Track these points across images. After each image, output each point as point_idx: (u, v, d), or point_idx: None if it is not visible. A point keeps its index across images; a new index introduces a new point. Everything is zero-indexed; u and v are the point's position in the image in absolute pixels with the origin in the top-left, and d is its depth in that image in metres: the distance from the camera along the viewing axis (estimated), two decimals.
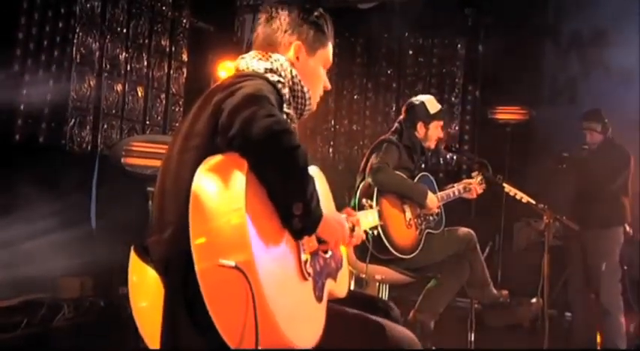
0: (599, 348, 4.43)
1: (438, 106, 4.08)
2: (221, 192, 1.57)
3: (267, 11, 2.07)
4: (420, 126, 4.00)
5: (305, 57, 2.04)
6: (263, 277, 1.51)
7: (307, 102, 1.99)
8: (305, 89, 1.98)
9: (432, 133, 4.04)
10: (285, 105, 1.88)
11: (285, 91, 1.91)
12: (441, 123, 4.07)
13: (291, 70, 1.95)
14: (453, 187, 4.05)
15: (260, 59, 1.96)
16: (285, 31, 2.03)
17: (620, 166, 4.64)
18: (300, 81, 1.96)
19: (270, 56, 1.97)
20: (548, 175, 5.11)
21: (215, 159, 1.62)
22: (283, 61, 1.96)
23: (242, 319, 1.49)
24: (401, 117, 4.11)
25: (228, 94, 1.70)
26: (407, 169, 3.90)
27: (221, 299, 1.51)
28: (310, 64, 2.06)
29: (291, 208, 1.63)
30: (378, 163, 3.66)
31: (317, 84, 2.10)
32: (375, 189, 3.65)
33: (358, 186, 3.81)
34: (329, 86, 2.18)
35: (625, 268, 4.73)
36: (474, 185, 4.06)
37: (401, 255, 3.62)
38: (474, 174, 4.18)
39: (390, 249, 3.56)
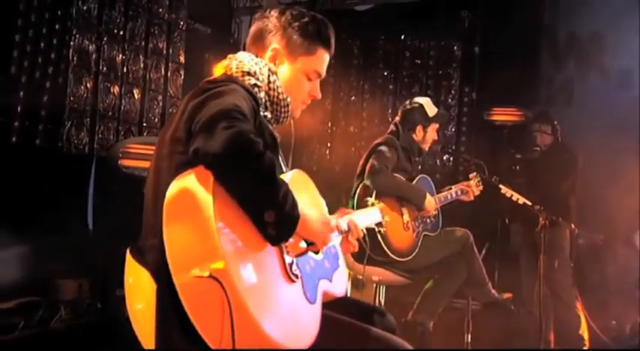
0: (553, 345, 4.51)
1: (435, 109, 4.10)
2: (189, 204, 1.57)
3: (261, 12, 2.06)
4: (419, 129, 4.02)
5: (284, 62, 2.02)
6: (240, 283, 1.51)
7: (284, 109, 1.96)
8: (282, 96, 1.95)
9: (429, 136, 4.06)
10: (261, 109, 1.87)
11: (262, 95, 1.89)
12: (437, 126, 4.09)
13: (269, 75, 1.93)
14: (451, 189, 4.06)
15: (241, 61, 1.95)
16: (269, 33, 2.02)
17: (568, 168, 4.76)
18: (278, 87, 1.94)
19: (252, 59, 1.96)
20: (507, 178, 5.19)
21: (184, 174, 1.62)
22: (262, 65, 1.95)
23: (222, 326, 1.49)
24: (397, 119, 4.11)
25: (200, 101, 1.69)
26: (405, 171, 3.91)
27: (202, 309, 1.52)
28: (288, 71, 2.02)
29: (262, 217, 1.61)
30: (377, 165, 3.65)
31: (296, 92, 2.04)
32: (374, 191, 3.64)
33: (356, 189, 3.81)
34: (318, 96, 2.11)
35: None
36: (471, 188, 4.07)
37: (398, 258, 3.63)
38: (471, 175, 4.19)
39: (387, 252, 3.56)
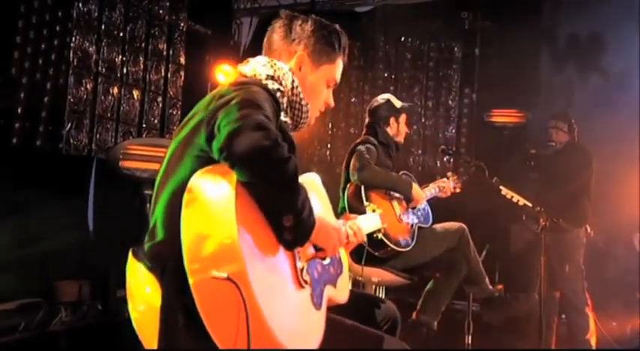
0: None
1: (400, 102, 4.16)
2: (211, 204, 1.57)
3: (282, 18, 2.08)
4: (392, 121, 4.09)
5: (307, 69, 2.04)
6: (256, 287, 1.51)
7: (304, 115, 1.99)
8: (304, 102, 1.97)
9: (402, 128, 4.14)
10: (282, 114, 1.88)
11: (284, 100, 1.91)
12: (406, 117, 4.15)
13: (292, 80, 1.95)
14: (428, 186, 4.09)
15: (264, 65, 1.96)
16: (293, 40, 2.04)
17: (580, 167, 4.72)
18: (300, 92, 1.96)
19: (275, 63, 1.97)
20: (520, 173, 5.17)
21: (206, 170, 1.62)
22: (286, 71, 1.96)
23: (237, 329, 1.49)
24: (368, 121, 4.18)
25: (223, 102, 1.69)
26: (386, 167, 3.93)
27: (215, 310, 1.51)
28: (311, 78, 2.05)
29: (281, 220, 1.62)
30: (360, 161, 3.68)
31: (315, 99, 2.08)
32: (362, 187, 3.67)
33: (343, 190, 3.83)
34: (332, 104, 2.16)
35: None
36: (447, 185, 4.11)
37: (397, 248, 3.61)
38: (449, 174, 4.26)
39: (386, 242, 3.54)
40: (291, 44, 2.04)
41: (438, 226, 3.97)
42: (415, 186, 3.85)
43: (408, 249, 3.69)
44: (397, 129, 4.11)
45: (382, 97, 4.19)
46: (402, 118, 4.12)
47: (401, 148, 4.27)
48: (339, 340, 1.84)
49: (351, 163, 3.74)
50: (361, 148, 3.82)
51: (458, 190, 4.20)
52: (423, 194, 3.90)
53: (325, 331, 1.78)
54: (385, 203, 3.74)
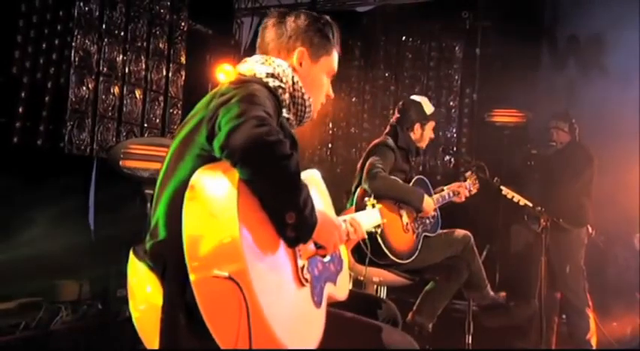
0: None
1: (432, 107, 4.10)
2: (213, 202, 1.56)
3: (274, 16, 2.08)
4: (417, 127, 4.02)
5: (308, 64, 2.05)
6: (257, 286, 1.50)
7: (307, 109, 1.99)
8: (306, 96, 1.98)
9: (427, 134, 4.06)
10: (284, 110, 1.88)
11: (286, 96, 1.91)
12: (434, 124, 4.09)
13: (292, 76, 1.95)
14: (443, 189, 4.05)
15: (263, 63, 1.96)
16: (290, 37, 2.04)
17: (581, 167, 4.71)
18: (301, 88, 1.97)
19: (273, 61, 1.97)
20: (521, 173, 5.16)
21: (208, 168, 1.62)
22: (286, 67, 1.96)
23: (238, 328, 1.49)
24: (395, 118, 4.10)
25: (223, 100, 1.69)
26: (402, 171, 3.90)
27: (216, 309, 1.51)
28: (313, 71, 2.07)
29: (283, 218, 1.61)
30: (374, 168, 3.64)
31: (318, 92, 2.10)
32: (372, 194, 3.63)
33: (354, 190, 3.80)
34: (332, 94, 2.19)
35: None
36: (463, 188, 4.06)
37: (399, 260, 3.61)
38: (467, 174, 4.19)
39: (388, 254, 3.54)
40: (289, 41, 2.05)
41: (444, 233, 3.94)
42: (426, 197, 3.80)
43: (410, 261, 3.68)
44: (421, 135, 4.04)
45: (415, 99, 4.11)
46: (429, 124, 4.05)
47: (421, 153, 4.22)
48: (339, 332, 1.84)
49: (364, 169, 3.71)
50: (377, 152, 3.78)
51: (474, 192, 4.15)
52: (433, 205, 3.83)
53: (325, 324, 1.78)
54: (393, 212, 3.72)
